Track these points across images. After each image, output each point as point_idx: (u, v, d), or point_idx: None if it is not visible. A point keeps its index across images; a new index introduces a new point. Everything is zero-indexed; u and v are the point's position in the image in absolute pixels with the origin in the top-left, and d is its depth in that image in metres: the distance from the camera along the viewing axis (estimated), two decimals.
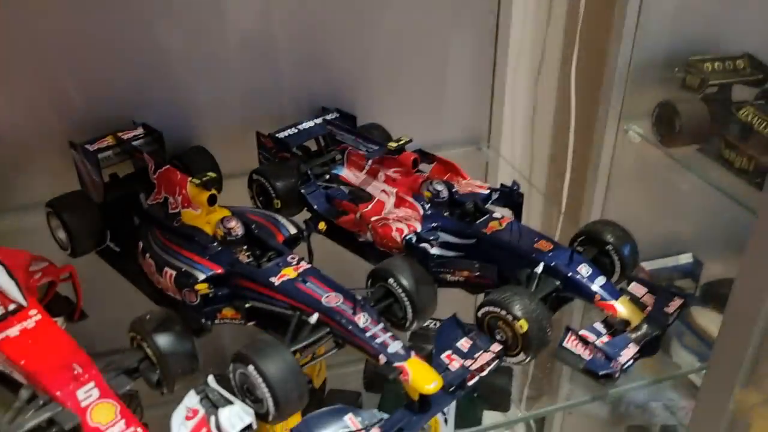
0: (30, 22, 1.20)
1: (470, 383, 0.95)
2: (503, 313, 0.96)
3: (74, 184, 1.26)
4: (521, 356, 0.97)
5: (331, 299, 0.96)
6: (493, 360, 0.96)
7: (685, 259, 1.84)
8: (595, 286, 1.02)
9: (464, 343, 0.97)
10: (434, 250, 1.12)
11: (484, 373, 0.96)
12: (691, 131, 1.51)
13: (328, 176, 1.29)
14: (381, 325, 0.93)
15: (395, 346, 0.91)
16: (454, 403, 1.52)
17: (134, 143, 1.26)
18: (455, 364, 0.95)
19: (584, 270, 1.03)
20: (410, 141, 1.23)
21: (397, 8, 1.42)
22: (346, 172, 1.29)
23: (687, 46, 1.60)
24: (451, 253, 1.12)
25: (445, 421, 1.51)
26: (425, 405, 0.90)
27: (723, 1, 1.59)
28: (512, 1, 1.50)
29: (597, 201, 1.70)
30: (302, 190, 1.24)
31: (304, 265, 1.02)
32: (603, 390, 1.06)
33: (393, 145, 1.21)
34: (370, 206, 1.19)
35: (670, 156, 1.57)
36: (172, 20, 1.29)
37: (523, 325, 0.95)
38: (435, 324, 1.13)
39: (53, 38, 1.23)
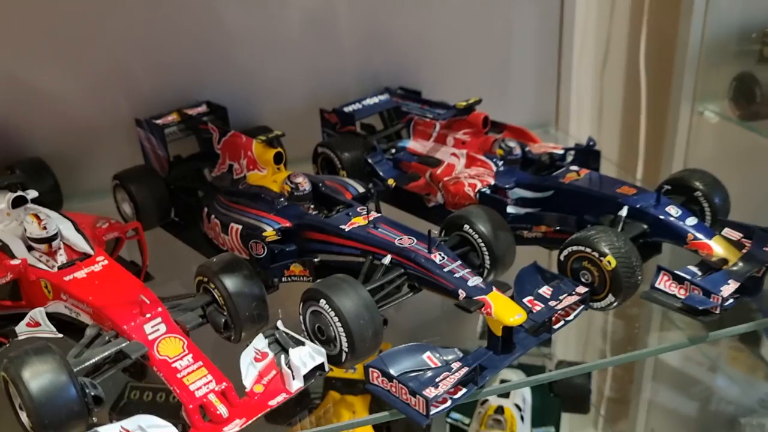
0: (97, 3, 1.22)
1: (556, 327, 0.88)
2: (588, 250, 0.90)
3: None
4: (609, 299, 0.90)
5: (405, 241, 0.91)
6: (578, 303, 0.90)
7: None
8: (687, 226, 0.94)
9: (546, 291, 0.91)
10: (510, 209, 1.06)
11: (570, 318, 0.89)
12: None
13: (394, 150, 1.26)
14: (459, 262, 0.88)
15: (475, 281, 0.85)
16: (530, 401, 1.45)
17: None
18: (537, 308, 0.88)
19: (673, 210, 0.96)
20: (479, 101, 1.19)
21: None
22: (413, 144, 1.25)
23: (761, 19, 1.53)
24: (527, 210, 1.06)
25: (522, 418, 1.43)
26: (508, 344, 0.83)
27: None
28: None
29: None
30: (368, 159, 1.21)
31: (375, 214, 0.98)
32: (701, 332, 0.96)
33: (462, 104, 1.17)
34: (440, 169, 1.15)
35: (753, 130, 1.48)
36: (235, 1, 1.30)
37: (611, 261, 0.88)
38: None
39: (119, 20, 1.25)
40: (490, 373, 0.81)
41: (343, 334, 0.81)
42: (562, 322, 0.89)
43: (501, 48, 1.48)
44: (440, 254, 0.88)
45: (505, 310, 0.81)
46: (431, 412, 0.75)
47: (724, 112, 1.54)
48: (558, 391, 1.45)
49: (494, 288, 0.84)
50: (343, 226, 0.95)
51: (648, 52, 1.61)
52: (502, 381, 1.21)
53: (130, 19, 1.25)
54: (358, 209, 0.98)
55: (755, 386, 1.61)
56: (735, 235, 0.98)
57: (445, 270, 0.86)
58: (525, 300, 0.89)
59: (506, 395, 1.36)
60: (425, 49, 1.42)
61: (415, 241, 0.91)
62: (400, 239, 0.91)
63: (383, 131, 1.31)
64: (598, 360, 1.08)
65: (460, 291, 0.84)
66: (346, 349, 0.81)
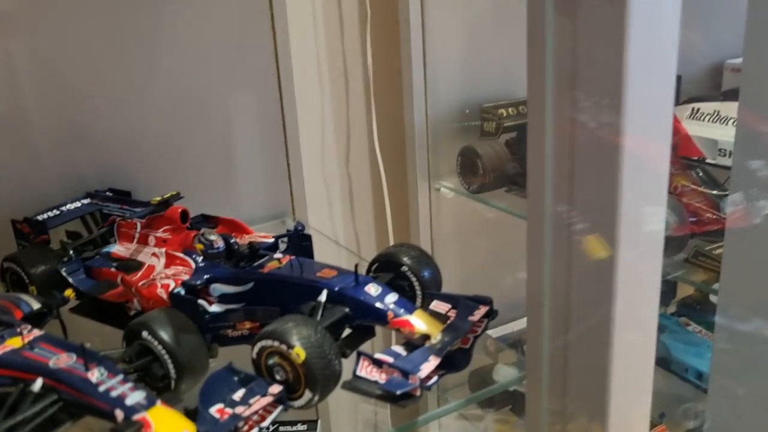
0: None
1: None
2: (277, 344, 0.81)
3: None
4: (307, 395, 0.82)
5: (62, 360, 0.78)
6: (272, 405, 0.80)
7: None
8: (386, 304, 0.89)
9: (240, 394, 0.80)
10: (214, 307, 0.96)
11: (265, 423, 0.79)
12: (494, 170, 1.48)
13: (98, 256, 1.12)
14: (120, 377, 0.75)
15: (136, 397, 0.73)
16: None
17: None
18: (226, 417, 0.77)
19: (373, 289, 0.91)
20: (178, 195, 1.10)
21: (170, 76, 1.33)
22: (117, 248, 1.13)
23: (481, 97, 1.60)
24: (228, 306, 0.97)
25: None
26: None
27: (508, 49, 1.62)
28: (293, 67, 1.44)
29: None
30: (62, 270, 1.07)
31: (36, 333, 0.83)
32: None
33: (156, 199, 1.07)
34: (138, 274, 1.03)
35: (482, 201, 1.51)
36: None
37: (300, 353, 0.79)
38: None
39: None
40: None
41: None
42: (255, 429, 0.78)
43: (223, 141, 1.41)
44: (99, 370, 0.75)
45: (169, 427, 0.70)
46: None
47: (457, 187, 1.57)
48: None
49: (159, 402, 0.73)
50: None
51: (381, 136, 1.63)
52: None
53: None
54: (17, 329, 0.84)
55: None
56: (443, 307, 0.94)
57: (101, 389, 0.73)
58: (212, 410, 0.77)
59: None
60: (137, 147, 1.32)
61: (75, 359, 0.77)
62: (57, 358, 0.78)
63: (87, 238, 1.18)
64: None
65: (117, 411, 0.71)
66: None
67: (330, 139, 1.63)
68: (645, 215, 0.83)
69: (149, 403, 0.72)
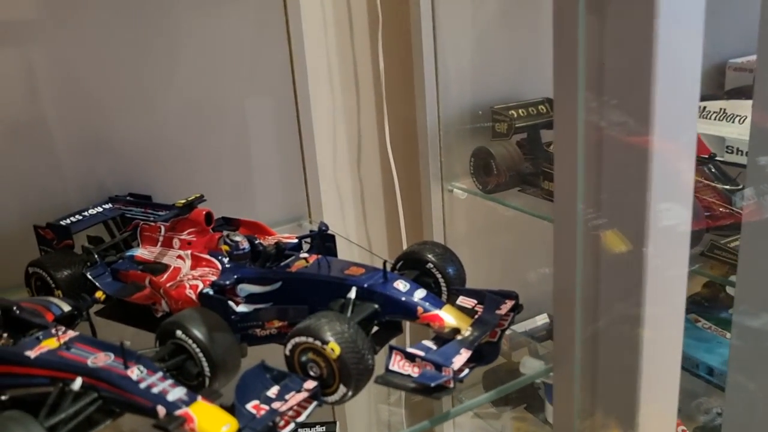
0: None
1: (285, 430, 0.78)
2: (311, 340, 0.82)
3: None
4: (341, 390, 0.82)
5: (100, 359, 0.78)
6: (308, 400, 0.81)
7: (542, 319, 1.79)
8: (416, 299, 0.90)
9: (275, 391, 0.81)
10: (241, 308, 0.97)
11: (301, 418, 0.80)
12: (508, 170, 1.49)
13: (122, 260, 1.13)
14: (159, 374, 0.77)
15: (177, 393, 0.74)
16: None
17: None
18: (262, 413, 0.78)
19: (401, 285, 0.92)
20: (201, 198, 1.11)
21: (187, 84, 1.34)
22: (141, 251, 1.14)
23: (491, 98, 1.62)
24: (257, 306, 0.98)
25: None
26: None
27: (517, 51, 1.63)
28: (307, 73, 1.45)
29: None
30: (88, 274, 1.08)
31: (71, 334, 0.84)
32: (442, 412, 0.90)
33: (181, 202, 1.09)
34: (165, 276, 1.04)
35: (496, 201, 1.53)
36: None
37: (334, 348, 0.80)
38: None
39: None
40: None
41: None
42: (292, 425, 0.79)
43: (240, 147, 1.42)
44: (138, 368, 0.76)
45: (211, 422, 0.71)
46: None
47: (470, 187, 1.58)
48: None
49: (200, 398, 0.73)
50: (28, 353, 0.80)
51: (393, 139, 1.64)
52: None
53: None
54: (52, 330, 0.85)
55: None
56: (470, 302, 0.96)
57: (142, 386, 0.74)
58: (249, 406, 0.78)
59: None
60: (155, 153, 1.33)
61: (112, 357, 0.78)
62: (95, 357, 0.79)
63: (110, 242, 1.19)
64: None
65: (159, 407, 0.72)
66: None
67: (344, 142, 1.64)
68: (672, 213, 0.84)
69: (191, 399, 0.73)
